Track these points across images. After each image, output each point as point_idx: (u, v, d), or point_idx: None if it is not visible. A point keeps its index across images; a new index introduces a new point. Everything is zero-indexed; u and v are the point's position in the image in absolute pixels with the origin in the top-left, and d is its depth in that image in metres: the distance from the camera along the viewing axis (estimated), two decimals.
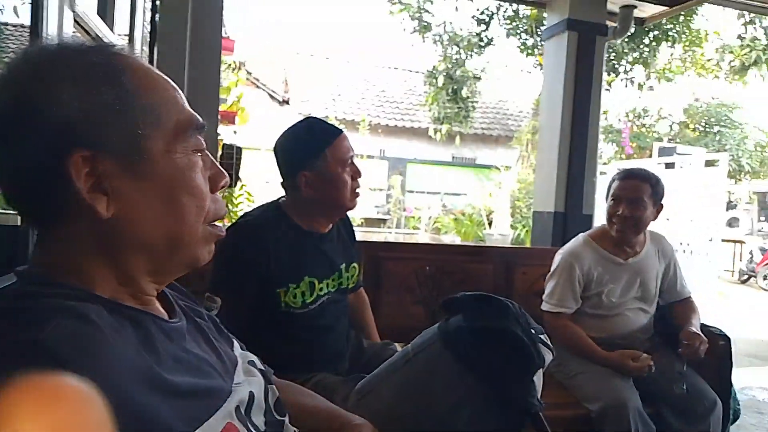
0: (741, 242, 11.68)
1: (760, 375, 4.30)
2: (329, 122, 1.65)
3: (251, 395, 0.77)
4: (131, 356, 0.58)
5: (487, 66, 11.47)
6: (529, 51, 10.49)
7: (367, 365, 1.48)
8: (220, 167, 0.77)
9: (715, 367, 2.10)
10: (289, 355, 1.42)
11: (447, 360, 1.19)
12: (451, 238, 9.76)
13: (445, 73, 11.14)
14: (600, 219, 2.62)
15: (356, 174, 1.56)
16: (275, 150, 1.57)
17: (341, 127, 1.72)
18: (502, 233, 9.66)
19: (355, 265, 1.72)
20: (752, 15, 9.27)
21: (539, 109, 4.32)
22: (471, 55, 10.98)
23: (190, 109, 0.71)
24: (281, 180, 1.58)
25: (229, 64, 6.34)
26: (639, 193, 2.06)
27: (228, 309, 1.37)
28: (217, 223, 0.75)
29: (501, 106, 15.77)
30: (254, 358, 0.88)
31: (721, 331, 2.17)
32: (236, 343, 0.88)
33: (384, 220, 11.89)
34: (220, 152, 2.76)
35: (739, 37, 9.98)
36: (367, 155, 11.40)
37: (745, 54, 9.92)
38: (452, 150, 13.90)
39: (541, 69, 7.37)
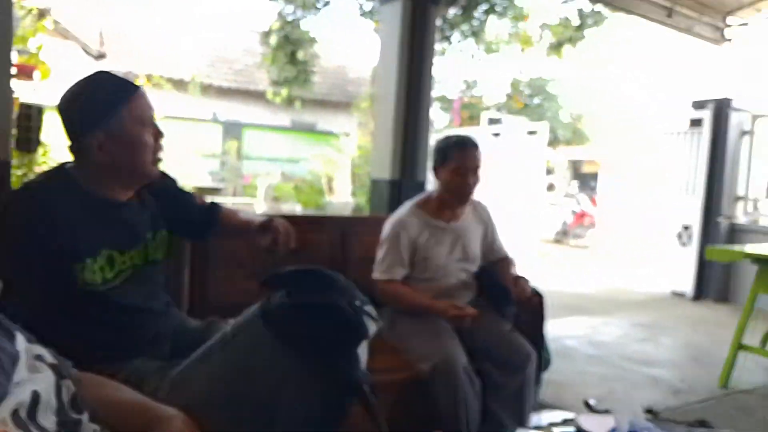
0: (557, 205, 13.07)
1: (569, 324, 4.76)
2: (123, 77, 1.44)
3: (35, 395, 0.72)
4: None
5: (326, 28, 11.23)
6: (368, 15, 10.43)
7: (193, 347, 1.35)
8: None
9: (530, 321, 2.27)
10: (96, 342, 1.31)
11: (267, 340, 1.17)
12: (291, 207, 9.51)
13: (281, 34, 10.67)
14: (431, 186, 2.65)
15: (158, 135, 1.41)
16: (59, 109, 1.37)
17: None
18: (343, 201, 9.65)
19: (164, 232, 1.54)
20: None
21: (376, 76, 4.25)
22: (307, 16, 10.66)
23: None
24: (68, 143, 1.38)
25: (30, 10, 5.38)
26: (480, 162, 2.17)
27: (14, 292, 1.21)
28: None
29: (341, 70, 15.59)
30: (43, 351, 0.82)
31: (535, 288, 2.32)
32: (19, 336, 0.80)
33: (219, 189, 11.16)
34: (16, 112, 2.28)
35: (557, 15, 10.88)
36: (198, 118, 10.56)
37: (560, 32, 10.86)
38: (291, 115, 13.48)
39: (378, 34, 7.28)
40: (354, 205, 9.62)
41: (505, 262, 2.35)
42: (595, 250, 7.54)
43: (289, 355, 1.15)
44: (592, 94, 16.37)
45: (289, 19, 10.70)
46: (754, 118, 6.07)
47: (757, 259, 3.26)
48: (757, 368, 3.48)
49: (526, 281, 2.19)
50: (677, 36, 6.76)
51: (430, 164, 3.80)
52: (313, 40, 11.14)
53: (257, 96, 13.37)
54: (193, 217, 1.64)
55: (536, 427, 1.78)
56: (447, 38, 11.08)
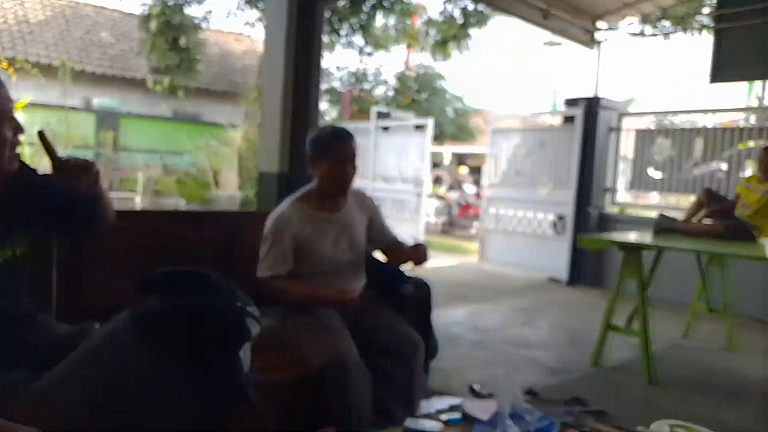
0: (444, 198, 13.58)
1: (454, 312, 4.93)
2: None
3: None
4: None
5: (210, 15, 10.73)
6: (254, 4, 10.11)
7: (62, 356, 1.22)
8: None
9: (417, 312, 2.32)
10: None
11: (140, 347, 1.10)
12: (174, 202, 8.99)
13: (162, 19, 10.04)
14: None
15: (17, 130, 1.31)
16: None
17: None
18: (230, 195, 9.32)
19: (24, 229, 1.41)
20: None
21: (262, 67, 4.12)
22: (189, 2, 10.15)
23: None
24: None
25: None
26: (356, 152, 2.18)
27: None
28: None
29: (227, 59, 14.99)
30: None
31: (421, 280, 2.41)
32: None
33: None
34: None
35: (441, 13, 11.23)
36: (69, 107, 9.62)
37: (445, 30, 11.22)
38: (174, 105, 12.73)
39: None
40: (242, 199, 9.31)
41: (398, 243, 2.38)
42: (480, 239, 7.88)
43: (164, 363, 1.09)
44: (477, 90, 17.16)
45: (170, 3, 10.10)
46: (620, 115, 6.66)
47: (623, 247, 3.57)
48: (625, 346, 3.79)
49: (424, 245, 2.24)
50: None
51: None
52: (197, 27, 10.61)
53: (135, 84, 12.48)
54: (67, 211, 1.47)
55: (425, 416, 1.81)
56: (336, 31, 11.05)
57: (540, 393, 2.97)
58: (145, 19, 10.43)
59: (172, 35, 10.27)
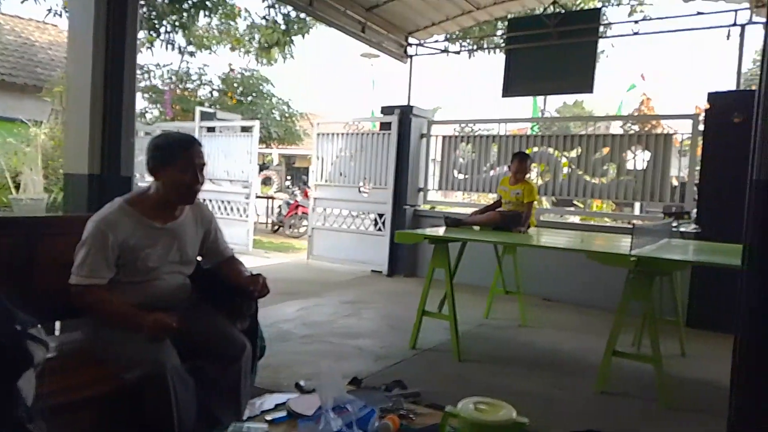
0: (273, 198, 13.53)
1: (284, 309, 5.02)
2: None
3: None
4: None
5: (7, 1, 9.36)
6: None
7: None
8: None
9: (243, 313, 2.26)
10: None
11: None
12: None
13: None
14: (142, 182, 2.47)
15: None
16: None
17: None
18: (34, 198, 8.27)
19: None
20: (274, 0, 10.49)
21: (67, 59, 3.76)
22: None
23: None
24: None
25: None
26: (204, 160, 2.11)
27: None
28: None
29: (28, 49, 13.19)
30: None
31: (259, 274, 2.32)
32: None
33: None
34: None
35: (264, 18, 11.18)
36: None
37: (269, 34, 11.19)
38: None
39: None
40: (49, 201, 8.32)
41: (233, 261, 2.33)
42: (308, 238, 8.06)
43: None
44: (304, 95, 17.31)
45: None
46: (430, 123, 7.32)
47: (432, 240, 4.00)
48: (438, 329, 4.21)
49: (262, 277, 2.19)
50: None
51: (139, 159, 3.58)
52: None
53: None
54: None
55: (251, 418, 1.82)
56: (155, 28, 10.41)
57: (365, 380, 3.19)
58: None
59: None
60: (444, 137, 7.18)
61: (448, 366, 3.70)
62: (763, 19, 5.22)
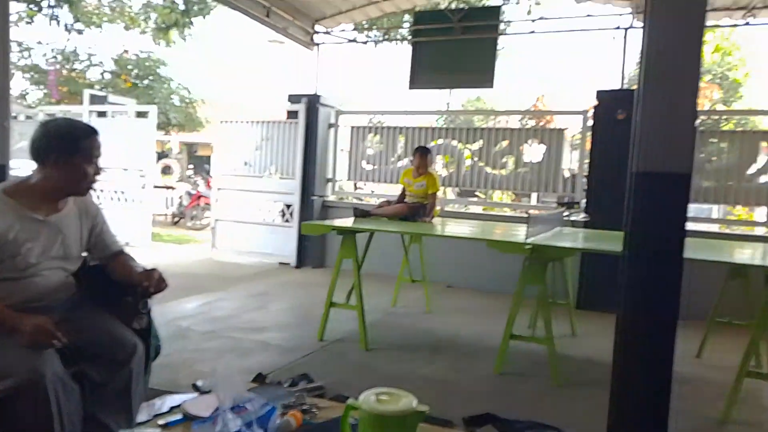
0: (173, 188, 12.87)
1: (185, 305, 4.82)
2: None
3: None
4: None
5: None
6: None
7: None
8: None
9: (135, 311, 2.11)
10: None
11: None
12: None
13: None
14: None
15: None
16: None
17: None
18: None
19: None
20: None
21: None
22: None
23: None
24: None
25: None
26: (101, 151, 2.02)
27: None
28: None
29: None
30: None
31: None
32: None
33: None
34: None
35: None
36: None
37: (166, 14, 10.60)
38: None
39: None
40: None
41: (123, 256, 2.20)
42: (211, 229, 7.76)
43: None
44: (206, 80, 16.64)
45: None
46: (338, 113, 7.27)
47: (340, 231, 3.98)
48: (346, 319, 4.21)
49: (158, 272, 2.07)
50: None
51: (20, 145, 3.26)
52: None
53: None
54: None
55: (143, 423, 1.73)
56: (36, 1, 9.51)
57: (269, 375, 3.13)
58: None
59: None
60: (352, 128, 7.16)
61: (356, 356, 3.72)
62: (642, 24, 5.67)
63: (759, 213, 7.11)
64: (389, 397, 1.32)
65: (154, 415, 1.77)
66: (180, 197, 12.15)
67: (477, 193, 8.05)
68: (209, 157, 13.44)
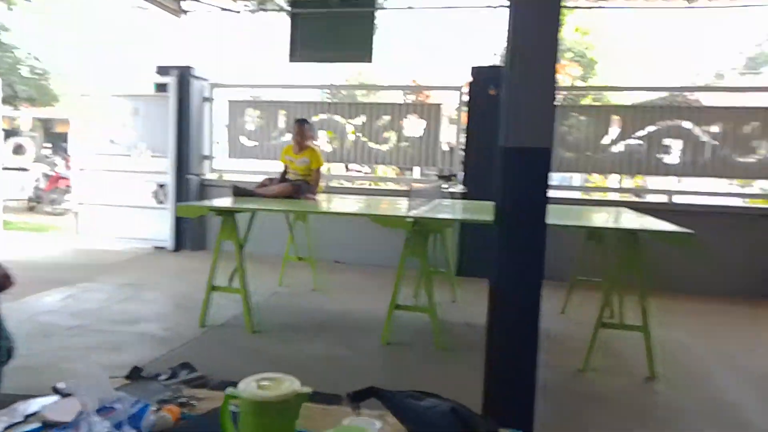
0: (26, 169, 11.53)
1: (45, 299, 4.37)
2: None
3: None
4: None
5: None
6: None
7: None
8: None
9: None
10: None
11: None
12: None
13: None
14: None
15: None
16: None
17: None
18: None
19: None
20: None
21: None
22: None
23: None
24: None
25: None
26: None
27: None
28: None
29: None
30: None
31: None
32: None
33: None
34: None
35: None
36: None
37: None
38: None
39: None
40: None
41: None
42: (74, 214, 7.08)
43: None
44: (60, 50, 14.97)
45: None
46: (212, 86, 6.89)
47: (219, 212, 3.81)
48: (229, 303, 4.07)
49: (2, 267, 1.84)
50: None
51: None
52: None
53: None
54: None
55: None
56: None
57: (145, 367, 2.93)
58: None
59: None
60: (230, 102, 6.84)
61: (241, 340, 3.62)
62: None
63: (611, 180, 7.90)
64: (271, 383, 1.28)
65: (7, 425, 1.58)
66: (36, 180, 10.95)
67: (358, 168, 8.08)
68: (68, 134, 12.21)
